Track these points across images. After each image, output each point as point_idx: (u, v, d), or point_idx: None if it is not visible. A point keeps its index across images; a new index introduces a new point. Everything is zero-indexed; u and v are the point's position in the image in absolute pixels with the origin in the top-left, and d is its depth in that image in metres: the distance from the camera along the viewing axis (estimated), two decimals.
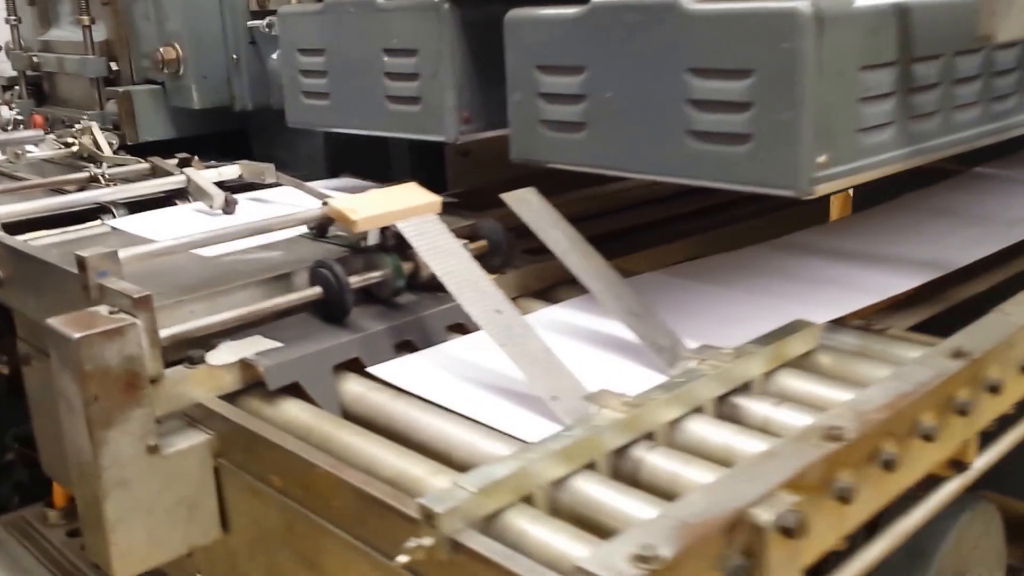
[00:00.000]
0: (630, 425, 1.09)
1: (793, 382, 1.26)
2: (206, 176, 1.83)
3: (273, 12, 2.30)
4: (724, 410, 1.20)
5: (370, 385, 1.32)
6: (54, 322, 1.17)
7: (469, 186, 2.15)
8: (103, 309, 1.22)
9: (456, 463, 1.13)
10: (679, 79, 1.25)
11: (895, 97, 1.27)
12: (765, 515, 0.86)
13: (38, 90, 2.91)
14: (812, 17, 1.12)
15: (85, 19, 2.44)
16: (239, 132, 2.51)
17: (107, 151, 2.28)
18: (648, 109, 1.29)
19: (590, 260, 1.41)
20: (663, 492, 1.02)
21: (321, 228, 1.59)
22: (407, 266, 1.45)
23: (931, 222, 1.95)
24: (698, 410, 1.17)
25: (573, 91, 1.38)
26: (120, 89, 2.40)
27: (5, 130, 2.74)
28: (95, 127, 2.32)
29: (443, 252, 1.32)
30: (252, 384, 1.32)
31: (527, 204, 1.44)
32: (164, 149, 2.36)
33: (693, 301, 1.52)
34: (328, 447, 1.17)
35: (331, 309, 1.40)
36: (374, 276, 1.43)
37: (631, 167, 1.35)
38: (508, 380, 1.26)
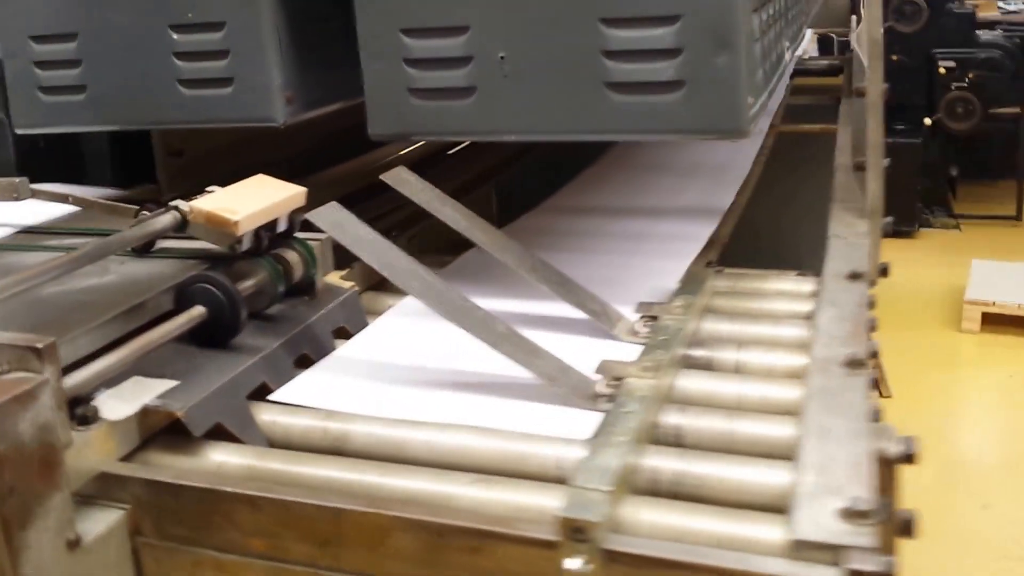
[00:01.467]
0: (661, 392, 1.05)
1: (724, 327, 1.28)
2: None
3: None
4: (695, 363, 1.19)
5: (289, 411, 1.13)
6: None
7: (185, 189, 1.91)
8: None
9: (470, 467, 1.00)
10: (594, 30, 1.21)
11: (765, 38, 1.34)
12: (893, 448, 0.88)
13: None
14: None
15: None
16: None
17: None
18: (556, 65, 1.24)
19: (492, 235, 1.33)
20: (723, 452, 0.99)
21: (148, 243, 1.31)
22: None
23: (655, 176, 2.09)
24: (685, 366, 1.15)
25: (456, 54, 1.28)
26: None
27: None
28: None
29: (369, 243, 1.16)
30: (150, 436, 1.06)
31: (409, 184, 1.31)
32: None
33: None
34: (300, 485, 0.98)
35: (218, 330, 1.16)
36: (251, 285, 1.21)
37: (537, 129, 1.28)
38: (441, 372, 1.16)
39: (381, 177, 1.29)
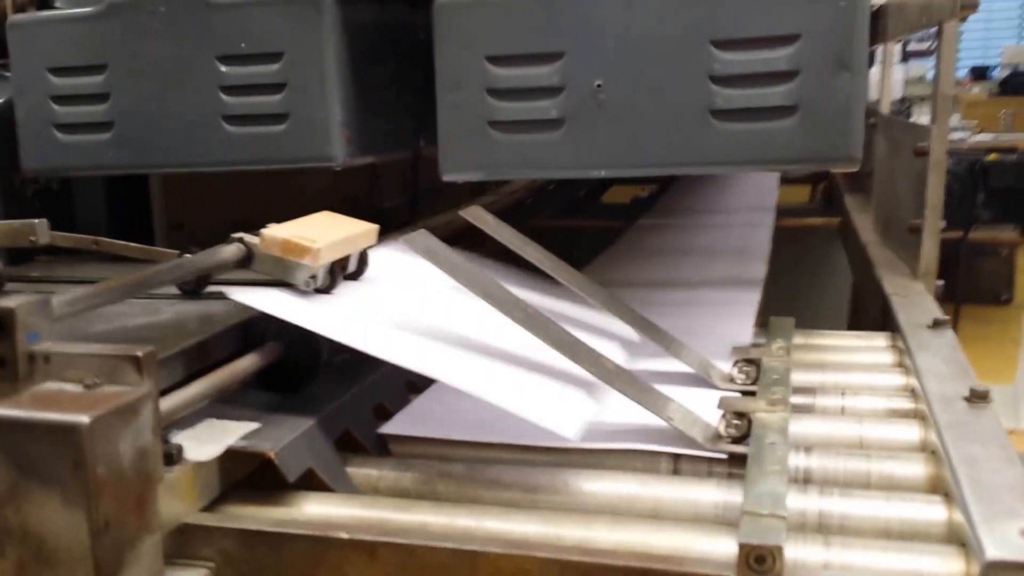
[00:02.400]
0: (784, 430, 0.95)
1: (815, 376, 1.19)
2: None
3: None
4: (800, 409, 1.09)
5: (372, 460, 0.98)
6: (18, 410, 0.68)
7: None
8: (53, 386, 0.74)
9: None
10: (703, 53, 1.14)
11: None
12: None
13: None
14: None
15: None
16: None
17: None
18: (657, 93, 1.16)
19: (573, 274, 1.22)
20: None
21: (201, 280, 1.15)
22: None
23: (676, 257, 2.03)
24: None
25: (546, 83, 1.20)
26: None
27: None
28: None
29: (465, 269, 1.03)
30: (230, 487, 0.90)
31: (487, 223, 1.21)
32: None
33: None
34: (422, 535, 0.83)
35: (294, 372, 1.02)
36: None
37: (632, 163, 1.19)
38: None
39: (460, 212, 1.18)
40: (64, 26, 1.38)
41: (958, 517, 0.80)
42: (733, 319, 1.40)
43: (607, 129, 1.19)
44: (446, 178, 1.26)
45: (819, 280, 2.22)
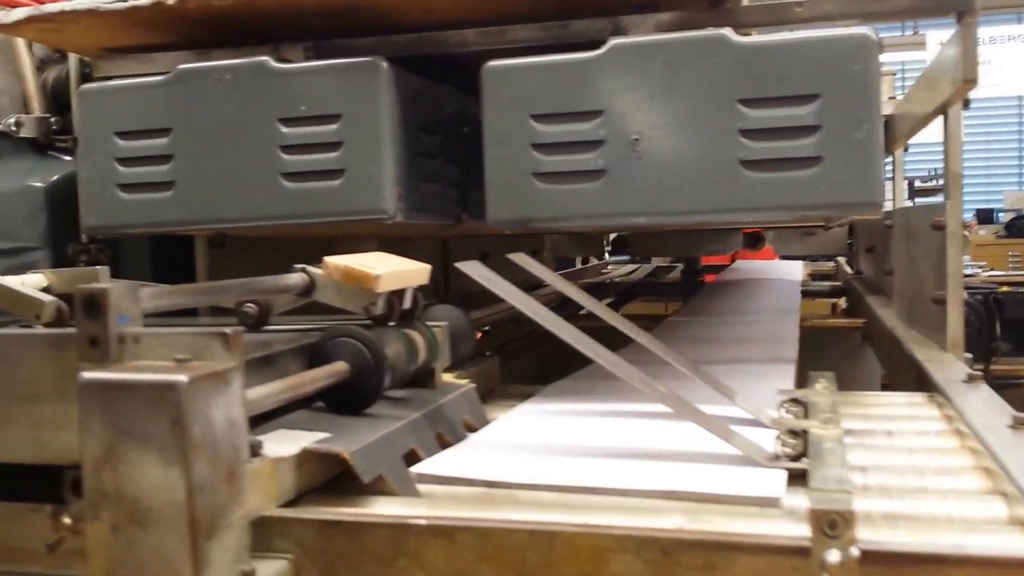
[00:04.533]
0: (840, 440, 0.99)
1: (863, 423, 1.23)
2: (14, 282, 1.31)
3: None
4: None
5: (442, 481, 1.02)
6: (99, 374, 0.74)
7: None
8: (144, 364, 0.79)
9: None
10: (732, 110, 1.23)
11: None
12: None
13: None
14: (877, 41, 1.20)
15: None
16: None
17: None
18: (691, 145, 1.25)
19: (616, 316, 1.28)
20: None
21: (263, 314, 1.21)
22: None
23: (707, 345, 2.07)
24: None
25: (587, 137, 1.29)
26: None
27: None
28: None
29: (519, 295, 1.10)
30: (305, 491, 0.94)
31: (532, 266, 1.28)
32: None
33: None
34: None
35: (358, 392, 1.07)
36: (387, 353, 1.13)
37: (668, 210, 1.27)
38: (600, 444, 1.10)
39: (508, 256, 1.26)
40: (133, 93, 1.49)
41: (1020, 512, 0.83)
42: (773, 379, 1.45)
43: (644, 179, 1.27)
44: (492, 224, 1.34)
45: (846, 381, 2.26)
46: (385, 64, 1.38)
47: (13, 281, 1.34)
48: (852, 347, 2.72)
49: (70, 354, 0.82)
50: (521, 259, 1.27)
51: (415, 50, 1.49)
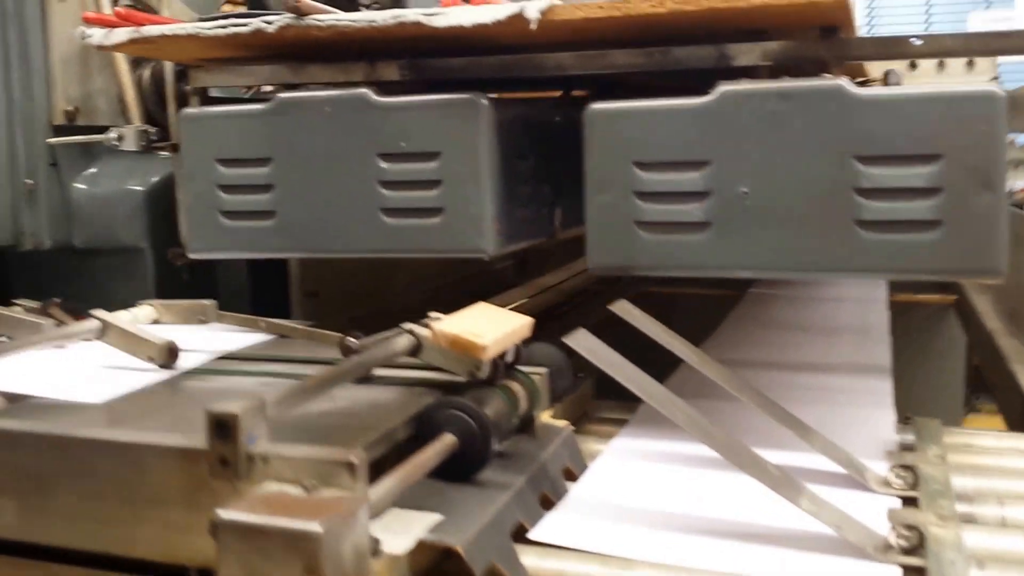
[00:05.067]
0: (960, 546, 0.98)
1: (970, 481, 1.21)
2: (124, 319, 1.36)
3: (85, 131, 1.86)
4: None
5: (550, 553, 1.04)
6: (236, 514, 0.76)
7: (317, 318, 1.87)
8: (274, 487, 0.82)
9: None
10: (847, 167, 1.19)
11: None
12: None
13: None
14: (1006, 99, 1.14)
15: None
16: None
17: None
18: (803, 202, 1.22)
19: (723, 372, 1.27)
20: None
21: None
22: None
23: (795, 335, 2.05)
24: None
25: (692, 188, 1.26)
26: None
27: None
28: None
29: (625, 369, 1.10)
30: None
31: (634, 316, 1.27)
32: None
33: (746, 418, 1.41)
34: None
35: (466, 462, 1.09)
36: (490, 415, 1.14)
37: (777, 266, 1.25)
38: (702, 517, 1.10)
39: (609, 307, 1.25)
40: (234, 120, 1.50)
41: None
42: (870, 409, 1.43)
43: (752, 233, 1.24)
44: (593, 270, 1.33)
45: (931, 359, 2.24)
46: (485, 101, 1.36)
47: (126, 319, 1.39)
48: (941, 318, 2.64)
49: (200, 467, 0.85)
50: (623, 309, 1.27)
51: (510, 72, 1.46)
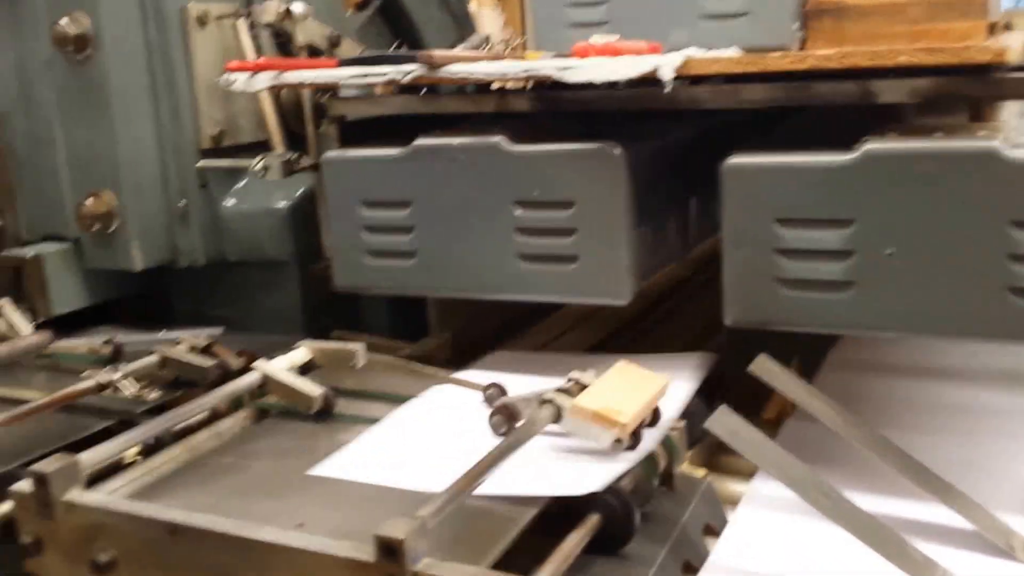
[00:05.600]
0: None
1: None
2: (280, 367, 1.44)
3: (231, 150, 1.93)
4: None
5: None
6: None
7: (454, 330, 1.90)
8: None
9: None
10: (1000, 233, 1.15)
11: None
12: None
13: None
14: None
15: None
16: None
17: (27, 331, 1.77)
18: (951, 266, 1.18)
19: (865, 433, 1.26)
20: None
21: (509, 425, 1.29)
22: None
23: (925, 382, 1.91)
24: None
25: (836, 247, 1.24)
26: (27, 255, 1.87)
27: None
28: (7, 305, 1.79)
29: (769, 453, 1.11)
30: None
31: (776, 375, 1.27)
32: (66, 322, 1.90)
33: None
34: None
35: (609, 539, 1.13)
36: (631, 484, 1.18)
37: (922, 328, 1.22)
38: None
39: (749, 368, 1.25)
40: (374, 164, 1.54)
41: None
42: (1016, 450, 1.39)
43: (897, 295, 1.22)
44: (731, 324, 1.33)
45: None
46: (618, 151, 1.36)
47: (282, 365, 1.47)
48: None
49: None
50: (764, 369, 1.27)
51: (642, 105, 1.45)
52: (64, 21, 1.77)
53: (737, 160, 1.29)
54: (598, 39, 1.61)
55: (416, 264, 1.53)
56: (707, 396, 1.43)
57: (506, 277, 1.46)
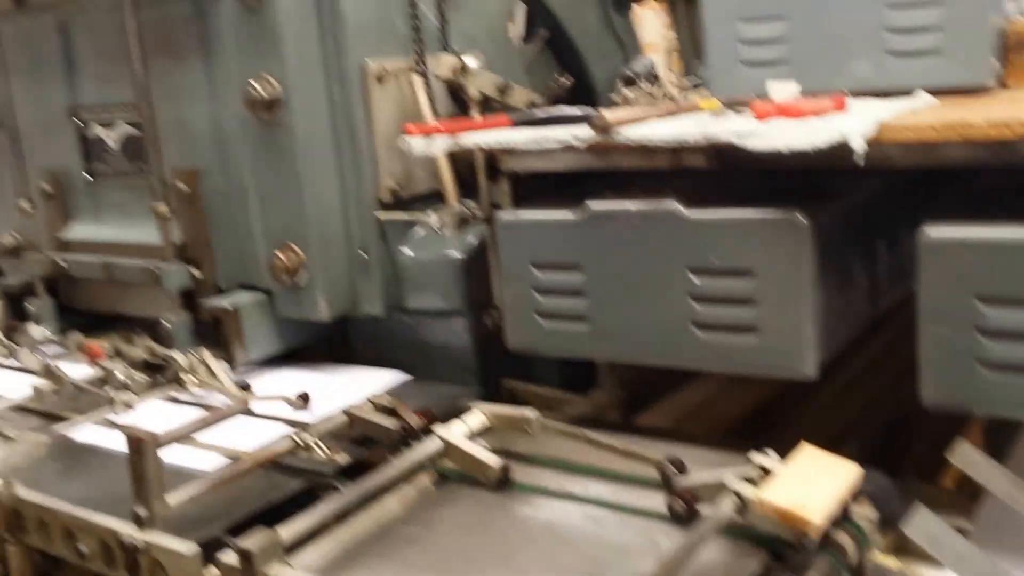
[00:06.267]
0: None
1: None
2: (458, 433, 1.46)
3: (406, 202, 1.98)
4: None
5: None
6: None
7: (623, 379, 1.85)
8: None
9: None
10: None
11: None
12: None
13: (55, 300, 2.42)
14: None
15: (162, 209, 2.00)
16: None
17: (229, 385, 1.87)
18: None
19: None
20: None
21: (691, 510, 1.26)
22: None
23: None
24: None
25: None
26: (227, 306, 1.98)
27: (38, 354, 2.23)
28: (208, 355, 1.91)
29: (972, 561, 1.04)
30: None
31: (976, 466, 1.18)
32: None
33: None
34: None
35: None
36: None
37: None
38: None
39: (947, 456, 1.17)
40: (547, 228, 1.53)
41: None
42: None
43: None
44: (929, 405, 1.25)
45: None
46: (804, 221, 1.29)
47: (460, 431, 1.49)
48: None
49: None
50: (966, 461, 1.18)
51: (827, 164, 1.37)
52: (254, 84, 1.85)
53: (936, 234, 1.20)
54: (777, 89, 1.55)
55: (589, 328, 1.51)
56: (882, 461, 1.35)
57: (682, 346, 1.42)
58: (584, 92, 2.71)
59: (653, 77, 2.72)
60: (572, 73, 2.67)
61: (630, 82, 2.74)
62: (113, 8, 1.96)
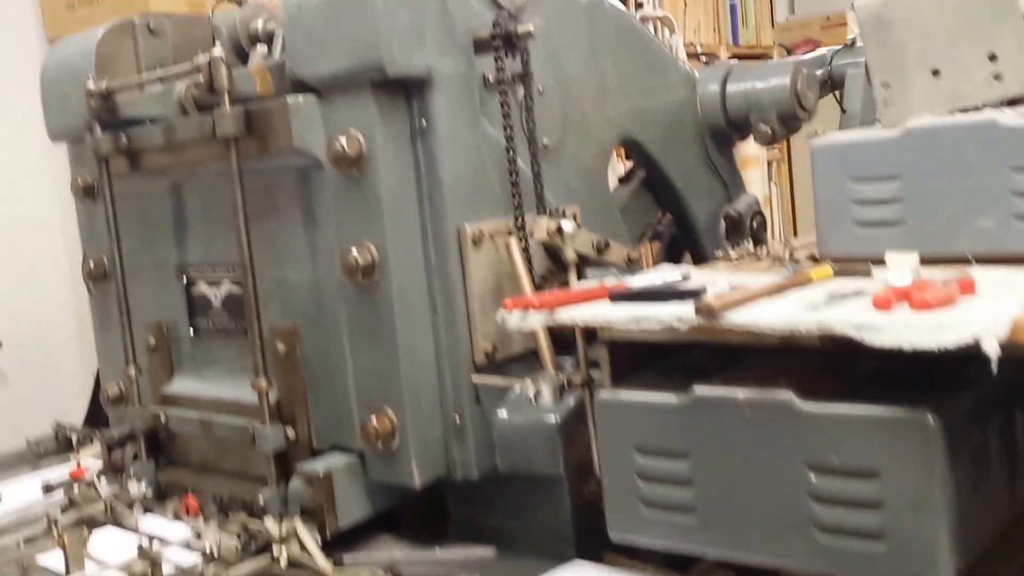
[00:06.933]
0: None
1: None
2: None
3: (501, 363, 1.93)
4: None
5: None
6: None
7: None
8: None
9: None
10: None
11: None
12: None
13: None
14: None
15: (261, 384, 2.00)
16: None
17: (320, 560, 1.81)
18: None
19: None
20: None
21: None
22: None
23: None
24: None
25: None
26: (320, 472, 1.94)
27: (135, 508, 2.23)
28: (300, 526, 1.86)
29: None
30: None
31: None
32: None
33: None
34: None
35: None
36: None
37: None
38: None
39: None
40: (649, 410, 1.46)
41: None
42: None
43: None
44: None
45: None
46: (933, 421, 1.19)
47: None
48: None
49: None
50: None
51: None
52: (353, 251, 1.85)
53: None
54: (895, 262, 1.47)
55: (697, 521, 1.41)
56: None
57: (798, 547, 1.31)
58: (685, 230, 2.66)
59: (759, 225, 2.65)
60: (671, 211, 2.63)
61: (733, 222, 2.68)
62: (222, 174, 2.00)
